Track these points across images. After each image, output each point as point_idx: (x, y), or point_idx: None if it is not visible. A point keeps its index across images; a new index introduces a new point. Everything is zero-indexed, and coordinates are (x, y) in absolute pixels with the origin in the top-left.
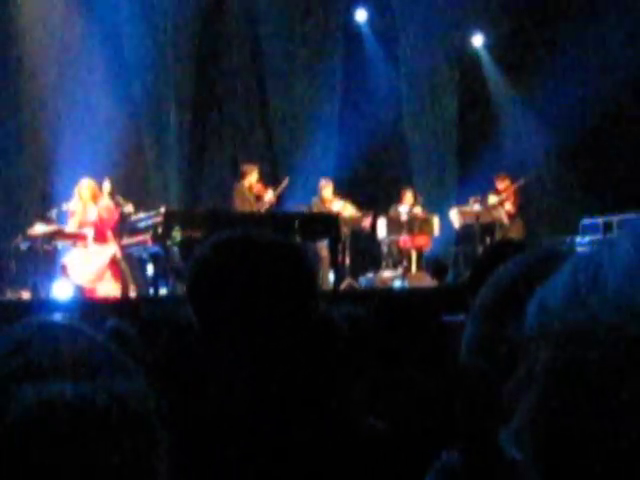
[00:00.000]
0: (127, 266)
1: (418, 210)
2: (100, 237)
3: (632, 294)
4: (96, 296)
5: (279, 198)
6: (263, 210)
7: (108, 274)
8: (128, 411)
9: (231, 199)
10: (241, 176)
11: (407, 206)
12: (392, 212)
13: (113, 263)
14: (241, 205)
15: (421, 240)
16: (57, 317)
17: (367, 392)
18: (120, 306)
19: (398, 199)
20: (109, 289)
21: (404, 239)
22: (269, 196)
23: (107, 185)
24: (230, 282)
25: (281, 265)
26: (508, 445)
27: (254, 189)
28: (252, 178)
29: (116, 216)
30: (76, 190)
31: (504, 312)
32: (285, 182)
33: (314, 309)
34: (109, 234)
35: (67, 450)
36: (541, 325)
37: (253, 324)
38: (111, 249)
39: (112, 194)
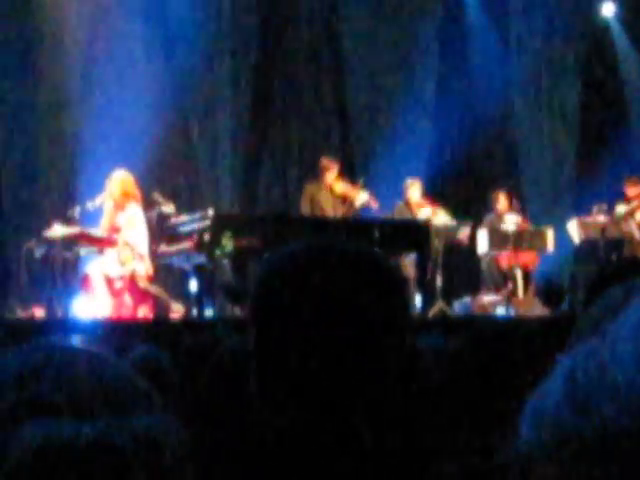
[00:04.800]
0: (158, 285)
1: (517, 218)
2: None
3: None
4: (125, 317)
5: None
6: (351, 215)
7: (128, 299)
8: (155, 457)
9: (297, 201)
10: (318, 172)
11: (512, 214)
12: (492, 222)
13: (133, 286)
14: (311, 209)
15: (526, 257)
16: (75, 340)
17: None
18: (154, 330)
19: (490, 205)
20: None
21: (505, 255)
22: (363, 198)
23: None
24: (305, 302)
25: (373, 285)
26: None
27: (337, 189)
28: (331, 176)
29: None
30: (107, 184)
31: None
32: (361, 182)
33: (405, 339)
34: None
35: None
36: (540, 440)
37: (329, 353)
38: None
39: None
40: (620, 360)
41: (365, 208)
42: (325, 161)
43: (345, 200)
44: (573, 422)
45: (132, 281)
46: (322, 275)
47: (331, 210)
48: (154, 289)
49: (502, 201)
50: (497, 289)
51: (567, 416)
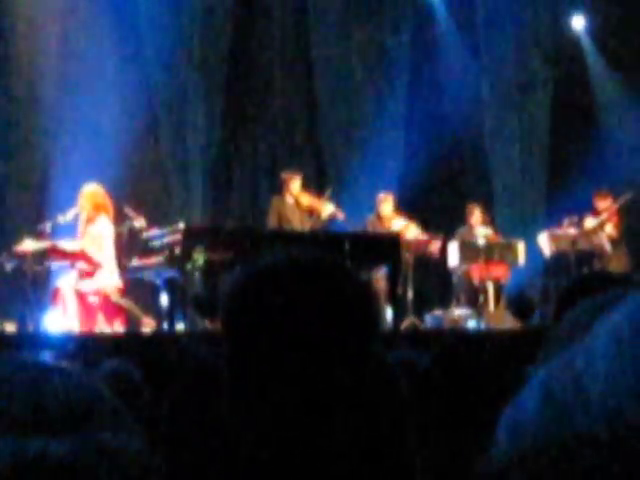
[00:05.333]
0: (129, 300)
1: (488, 232)
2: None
3: (618, 398)
4: (96, 331)
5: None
6: (319, 228)
7: (100, 317)
8: (121, 474)
9: (266, 215)
10: (281, 186)
11: (484, 227)
12: (464, 235)
13: (104, 300)
14: (278, 223)
15: (497, 270)
16: (45, 356)
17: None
18: (125, 344)
19: (464, 218)
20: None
21: (476, 268)
22: (329, 210)
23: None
24: (276, 316)
25: (343, 298)
26: None
27: (303, 202)
28: (294, 188)
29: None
30: (79, 198)
31: None
32: (327, 194)
33: (374, 355)
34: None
35: None
36: (517, 450)
37: (301, 366)
38: (97, 283)
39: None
40: (594, 373)
41: (332, 219)
42: (285, 174)
43: (312, 213)
44: (550, 433)
45: (103, 295)
46: (293, 288)
47: (298, 223)
48: (125, 303)
49: (476, 214)
50: (468, 302)
51: (544, 427)
